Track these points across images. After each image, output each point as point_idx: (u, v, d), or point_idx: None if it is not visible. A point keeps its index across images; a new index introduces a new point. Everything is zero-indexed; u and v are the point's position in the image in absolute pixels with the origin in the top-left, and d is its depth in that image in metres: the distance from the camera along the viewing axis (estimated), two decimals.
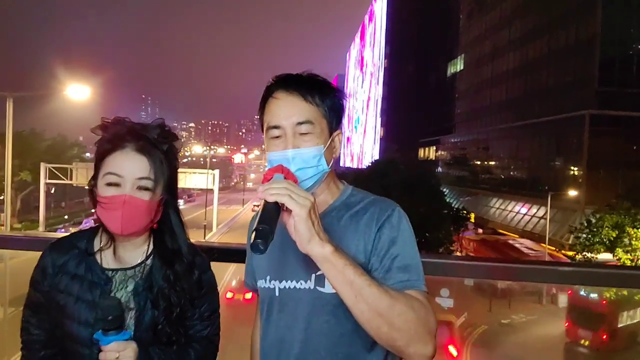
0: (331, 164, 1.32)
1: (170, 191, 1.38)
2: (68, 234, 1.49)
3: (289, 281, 1.33)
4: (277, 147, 1.27)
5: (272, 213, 1.06)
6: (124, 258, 1.39)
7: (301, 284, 1.31)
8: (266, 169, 1.25)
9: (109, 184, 1.30)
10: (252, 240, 1.02)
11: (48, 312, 1.37)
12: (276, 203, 1.06)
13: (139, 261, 1.39)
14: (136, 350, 1.25)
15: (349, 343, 1.26)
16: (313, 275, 1.29)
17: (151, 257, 1.40)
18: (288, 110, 1.28)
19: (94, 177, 1.34)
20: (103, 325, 1.22)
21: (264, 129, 1.32)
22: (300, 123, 1.26)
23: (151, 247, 1.41)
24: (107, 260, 1.39)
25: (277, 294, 1.35)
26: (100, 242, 1.40)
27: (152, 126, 1.37)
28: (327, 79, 1.36)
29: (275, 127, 1.28)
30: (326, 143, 1.30)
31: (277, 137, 1.28)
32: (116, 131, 1.34)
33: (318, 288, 1.28)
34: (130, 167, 1.30)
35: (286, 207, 1.07)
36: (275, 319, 1.35)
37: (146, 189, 1.31)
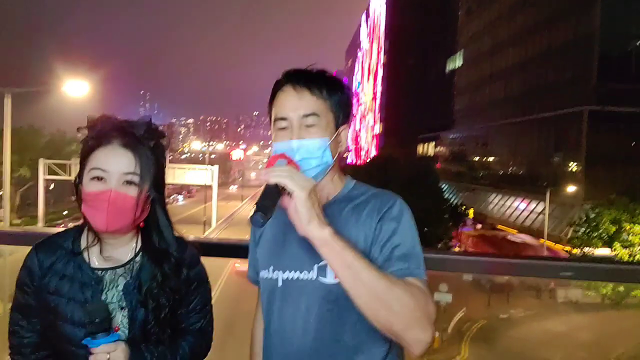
0: (335, 158, 1.35)
1: (158, 189, 1.36)
2: (52, 233, 1.46)
3: (292, 271, 1.34)
4: (283, 137, 1.30)
5: (273, 193, 1.10)
6: (111, 256, 1.37)
7: (304, 274, 1.32)
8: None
9: (94, 179, 1.29)
10: (251, 214, 1.06)
11: (39, 314, 1.36)
12: (277, 185, 1.10)
13: (127, 259, 1.38)
14: (126, 350, 1.25)
15: (353, 333, 1.28)
16: (315, 266, 1.30)
17: (140, 255, 1.39)
18: (295, 102, 1.31)
19: (79, 174, 1.33)
20: (91, 329, 1.23)
21: (272, 120, 1.35)
22: (306, 115, 1.29)
23: (139, 244, 1.40)
24: (94, 259, 1.37)
25: (279, 284, 1.36)
26: (87, 240, 1.37)
27: (139, 123, 1.36)
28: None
29: (282, 118, 1.31)
30: (332, 136, 1.32)
31: (283, 128, 1.31)
32: (102, 128, 1.34)
33: (320, 279, 1.30)
34: (115, 162, 1.29)
35: (287, 191, 1.10)
36: (279, 309, 1.36)
37: (133, 184, 1.30)
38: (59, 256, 1.37)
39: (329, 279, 1.28)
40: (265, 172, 1.12)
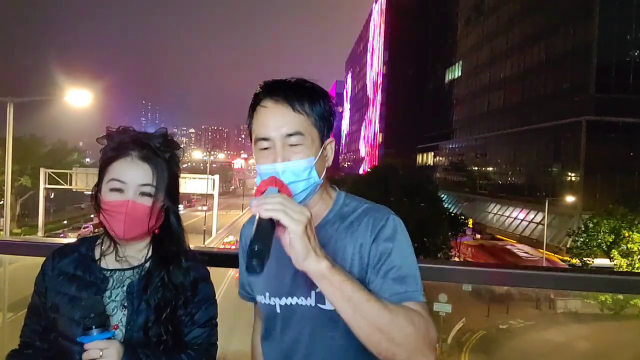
0: (323, 175, 1.28)
1: (171, 197, 1.42)
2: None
3: (289, 298, 1.30)
4: (267, 158, 1.23)
5: (267, 230, 1.00)
6: (124, 261, 1.42)
7: (302, 300, 1.28)
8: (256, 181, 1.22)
9: (113, 190, 1.35)
10: (246, 261, 0.97)
11: (43, 313, 1.41)
12: (270, 219, 1.01)
13: (139, 263, 1.43)
14: (119, 350, 1.24)
15: (354, 358, 1.24)
16: (313, 293, 1.25)
17: (150, 260, 1.43)
18: (277, 121, 1.22)
19: (98, 184, 1.39)
20: (85, 323, 1.23)
21: (253, 139, 1.27)
22: (290, 135, 1.21)
23: (151, 251, 1.45)
24: (107, 262, 1.42)
25: (278, 310, 1.32)
26: (102, 246, 1.44)
27: (155, 135, 1.42)
28: (317, 84, 1.30)
29: (264, 139, 1.23)
30: (317, 153, 1.24)
31: (266, 148, 1.23)
32: (121, 140, 1.39)
33: (319, 305, 1.26)
34: (133, 174, 1.35)
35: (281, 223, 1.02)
36: (279, 335, 1.33)
37: (148, 195, 1.35)
38: (73, 259, 1.44)
39: (329, 305, 1.23)
40: (257, 204, 1.02)
